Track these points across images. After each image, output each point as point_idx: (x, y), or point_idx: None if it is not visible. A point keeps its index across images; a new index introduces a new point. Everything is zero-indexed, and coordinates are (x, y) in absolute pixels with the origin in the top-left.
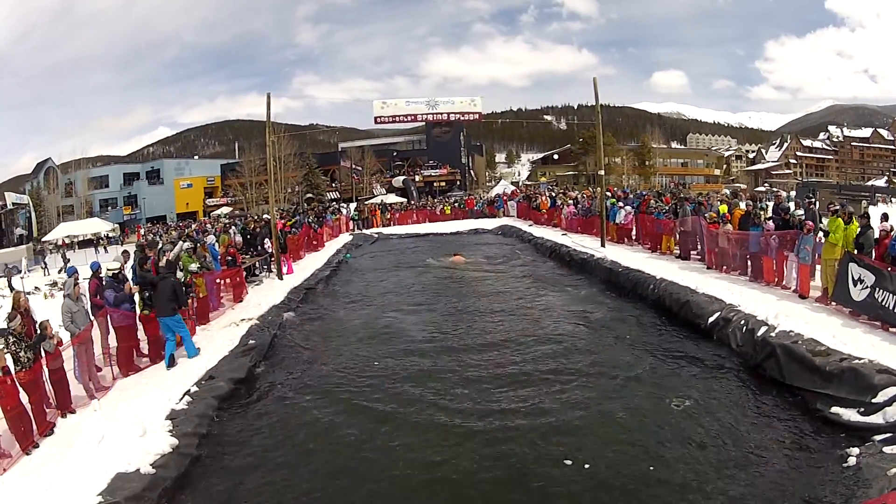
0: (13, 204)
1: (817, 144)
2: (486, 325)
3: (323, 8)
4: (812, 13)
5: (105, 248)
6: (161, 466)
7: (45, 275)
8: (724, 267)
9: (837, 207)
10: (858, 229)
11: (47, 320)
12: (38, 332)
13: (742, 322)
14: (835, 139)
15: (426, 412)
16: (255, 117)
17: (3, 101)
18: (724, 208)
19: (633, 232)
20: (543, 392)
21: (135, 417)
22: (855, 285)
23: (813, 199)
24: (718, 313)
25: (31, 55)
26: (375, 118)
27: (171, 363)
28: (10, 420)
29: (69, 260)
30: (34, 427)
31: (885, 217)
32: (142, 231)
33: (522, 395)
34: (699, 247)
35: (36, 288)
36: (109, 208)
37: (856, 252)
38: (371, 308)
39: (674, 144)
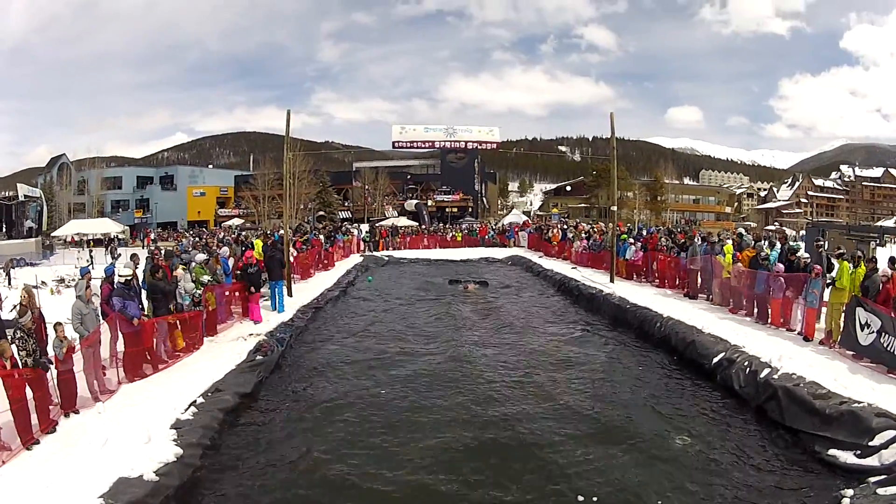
0: (25, 196)
1: (829, 184)
2: (490, 357)
3: (347, 25)
4: (826, 51)
5: (115, 249)
6: (164, 474)
7: (91, 267)
8: (732, 307)
9: (843, 251)
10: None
11: (61, 323)
12: (52, 333)
13: (745, 363)
14: (846, 178)
15: (427, 443)
16: (271, 130)
17: (20, 89)
18: (728, 248)
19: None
20: (547, 428)
21: (140, 424)
22: (862, 330)
23: (822, 242)
24: (722, 354)
25: (51, 46)
26: (394, 143)
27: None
28: (12, 412)
29: (119, 255)
30: (35, 422)
31: (892, 261)
32: (151, 236)
33: (525, 431)
34: (708, 285)
35: (43, 282)
36: (121, 210)
37: (861, 295)
38: (376, 334)
39: (686, 180)
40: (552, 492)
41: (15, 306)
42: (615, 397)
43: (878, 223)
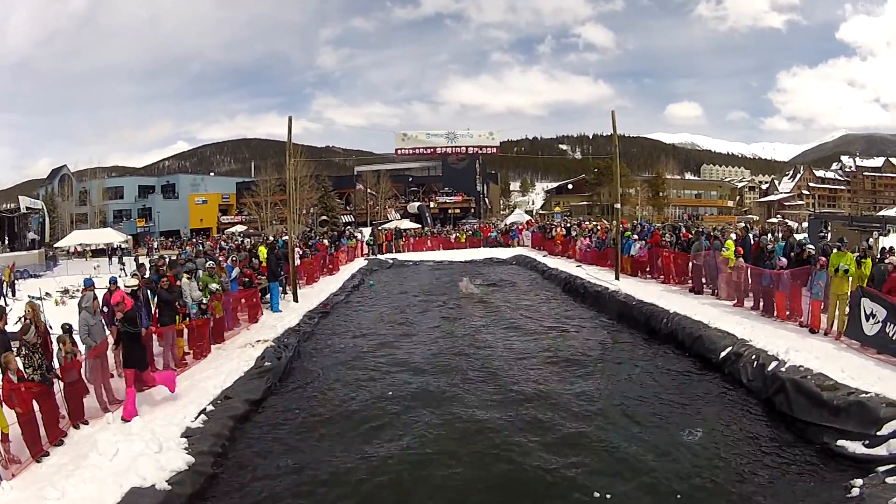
0: (27, 208)
1: (830, 175)
2: (496, 355)
3: (346, 31)
4: (823, 43)
5: (120, 259)
6: (176, 483)
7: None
8: (737, 301)
9: (841, 242)
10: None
11: (65, 335)
12: (58, 344)
13: (753, 357)
14: (847, 169)
15: (433, 436)
16: (273, 136)
17: (21, 103)
18: (730, 244)
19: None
20: (558, 426)
21: (150, 433)
22: (867, 320)
23: (824, 234)
24: (730, 348)
25: (53, 59)
26: (396, 150)
27: (277, 310)
28: (20, 424)
29: (142, 265)
30: (43, 434)
31: (891, 251)
32: (154, 244)
33: (536, 431)
34: (713, 280)
35: (47, 294)
36: (124, 219)
37: (868, 284)
38: (383, 337)
39: (688, 175)
40: (566, 487)
41: (20, 319)
42: (623, 392)
43: (881, 213)
